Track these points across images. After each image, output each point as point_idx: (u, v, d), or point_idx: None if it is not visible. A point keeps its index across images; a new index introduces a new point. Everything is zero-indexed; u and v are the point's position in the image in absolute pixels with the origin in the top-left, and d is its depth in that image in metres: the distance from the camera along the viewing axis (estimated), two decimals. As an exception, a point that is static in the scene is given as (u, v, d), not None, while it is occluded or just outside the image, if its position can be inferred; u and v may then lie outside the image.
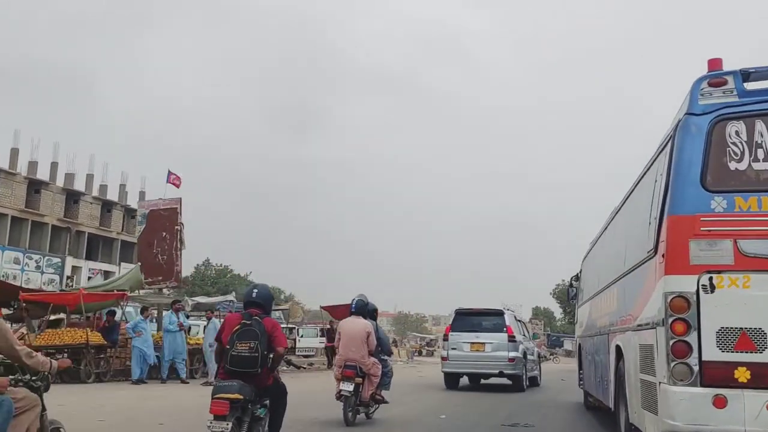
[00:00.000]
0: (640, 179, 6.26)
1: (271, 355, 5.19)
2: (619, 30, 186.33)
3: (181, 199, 20.05)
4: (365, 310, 8.99)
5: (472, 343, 14.69)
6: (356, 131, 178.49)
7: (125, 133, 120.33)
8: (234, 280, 62.00)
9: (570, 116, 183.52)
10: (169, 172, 20.55)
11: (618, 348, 6.64)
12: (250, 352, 4.97)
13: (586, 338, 10.64)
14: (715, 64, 4.74)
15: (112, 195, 50.21)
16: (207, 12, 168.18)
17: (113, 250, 49.76)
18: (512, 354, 14.50)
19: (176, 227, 19.47)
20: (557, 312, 66.82)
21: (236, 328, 5.08)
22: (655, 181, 5.24)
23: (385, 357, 9.28)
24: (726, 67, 4.75)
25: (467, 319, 15.29)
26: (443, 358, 15.19)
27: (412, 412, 10.29)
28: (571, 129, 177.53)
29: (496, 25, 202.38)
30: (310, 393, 11.74)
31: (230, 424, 4.76)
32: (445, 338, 15.37)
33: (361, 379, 8.47)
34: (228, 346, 5.05)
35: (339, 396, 8.39)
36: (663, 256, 4.60)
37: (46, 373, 4.09)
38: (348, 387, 8.29)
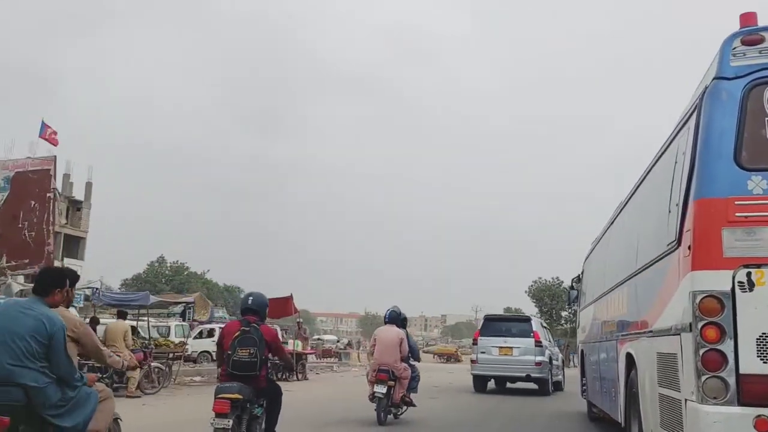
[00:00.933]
0: (655, 163, 5.55)
1: (276, 359, 6.05)
2: (591, 50, 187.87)
3: (55, 157, 15.57)
4: (398, 319, 9.86)
5: (501, 347, 15.47)
6: (322, 134, 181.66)
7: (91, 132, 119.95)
8: (190, 277, 60.07)
9: (540, 126, 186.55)
10: (44, 123, 16.00)
11: (629, 356, 5.92)
12: (250, 357, 5.48)
13: (589, 344, 9.91)
14: (748, 18, 4.02)
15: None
16: (174, 12, 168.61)
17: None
18: (539, 358, 15.35)
19: (48, 194, 15.19)
20: (532, 311, 65.95)
21: (236, 334, 5.56)
22: (676, 162, 4.53)
23: (414, 362, 10.05)
24: (762, 23, 4.03)
25: (495, 325, 16.21)
26: (472, 362, 16.10)
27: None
28: (540, 138, 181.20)
29: (470, 33, 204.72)
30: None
31: (231, 422, 5.26)
32: (474, 342, 16.24)
33: (393, 382, 9.21)
34: (229, 352, 5.54)
35: (372, 397, 9.15)
36: (689, 248, 3.88)
37: (118, 369, 5.01)
38: (381, 389, 9.05)
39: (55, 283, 4.21)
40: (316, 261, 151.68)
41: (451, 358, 47.54)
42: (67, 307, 4.58)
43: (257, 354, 5.50)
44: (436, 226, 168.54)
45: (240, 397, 5.36)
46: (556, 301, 60.88)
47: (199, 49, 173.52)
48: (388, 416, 9.27)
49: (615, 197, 9.24)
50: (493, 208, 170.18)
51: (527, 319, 16.51)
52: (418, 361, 10.45)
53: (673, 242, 4.27)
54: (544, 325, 18.23)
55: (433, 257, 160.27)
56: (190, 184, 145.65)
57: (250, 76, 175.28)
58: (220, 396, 5.35)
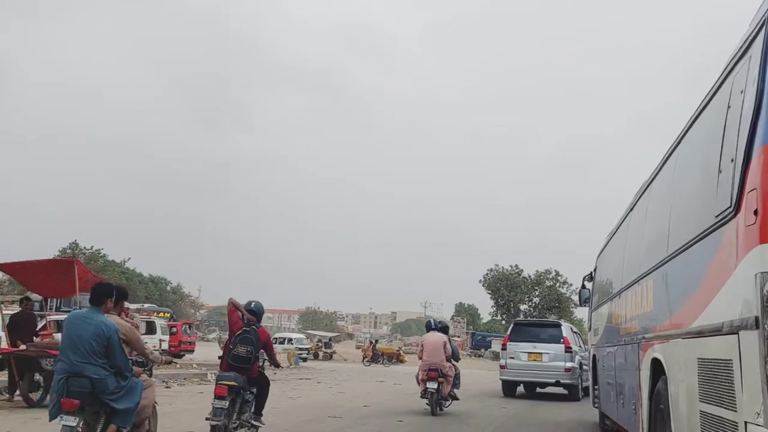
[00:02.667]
0: (695, 120, 4.55)
1: (262, 357, 7.34)
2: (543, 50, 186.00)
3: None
4: (442, 327, 12.57)
5: (530, 353, 15.46)
6: (269, 129, 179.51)
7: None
8: (107, 266, 55.14)
9: (490, 126, 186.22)
10: None
11: (656, 362, 4.92)
12: (247, 353, 6.83)
13: (603, 348, 8.88)
14: None
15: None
16: (123, 2, 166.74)
17: None
18: (569, 364, 15.29)
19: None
20: (485, 305, 60.23)
21: (238, 333, 6.89)
22: (729, 106, 3.51)
23: (454, 362, 11.86)
24: None
25: (525, 330, 16.39)
26: (501, 367, 16.20)
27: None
28: (490, 138, 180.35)
29: (422, 30, 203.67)
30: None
31: (227, 402, 6.61)
32: (504, 347, 16.33)
33: (442, 379, 11.08)
34: (231, 346, 6.90)
35: (424, 393, 11.13)
36: (755, 213, 2.86)
37: (158, 363, 6.39)
38: (433, 385, 10.95)
39: (106, 295, 5.42)
40: (262, 257, 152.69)
41: (392, 358, 42.34)
42: (119, 315, 5.80)
43: (253, 352, 6.87)
44: (386, 223, 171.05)
45: (235, 384, 6.73)
46: (515, 292, 54.35)
47: (144, 38, 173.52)
48: (437, 409, 11.15)
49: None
50: (444, 204, 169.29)
51: (557, 325, 16.57)
52: (458, 361, 12.25)
53: (727, 210, 3.25)
54: (575, 330, 18.01)
55: (384, 254, 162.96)
56: (131, 174, 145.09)
57: (197, 69, 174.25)
58: (220, 382, 6.74)
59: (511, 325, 17.11)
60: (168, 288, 72.96)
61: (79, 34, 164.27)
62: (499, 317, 58.38)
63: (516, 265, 56.19)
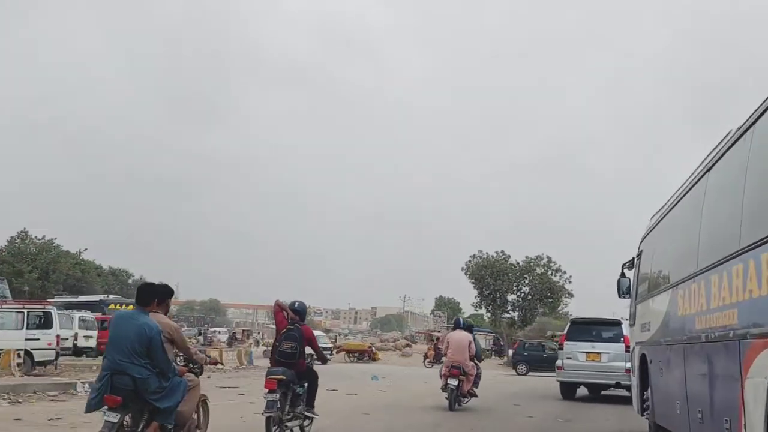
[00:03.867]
0: None
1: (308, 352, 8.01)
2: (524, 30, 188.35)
3: None
4: (466, 325, 13.09)
5: (588, 352, 15.11)
6: (251, 124, 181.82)
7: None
8: (60, 256, 52.31)
9: (476, 115, 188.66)
10: None
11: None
12: (291, 349, 7.61)
13: (661, 347, 7.38)
14: None
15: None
16: None
17: None
18: (630, 365, 14.09)
19: None
20: (469, 297, 53.60)
21: (284, 331, 7.72)
22: None
23: (477, 362, 12.48)
24: None
25: (583, 329, 15.91)
26: (558, 368, 15.97)
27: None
28: (470, 129, 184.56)
29: (405, 22, 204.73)
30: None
31: (278, 395, 7.27)
32: (560, 347, 16.08)
33: (463, 377, 11.77)
34: (277, 344, 7.77)
35: (445, 388, 11.84)
36: None
37: (201, 364, 6.51)
38: (454, 382, 11.63)
39: (152, 295, 5.77)
40: (243, 253, 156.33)
41: (364, 355, 39.34)
42: (165, 314, 5.95)
43: (297, 348, 7.52)
44: (366, 217, 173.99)
45: (283, 377, 7.29)
46: (502, 280, 49.53)
47: (121, 32, 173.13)
48: (456, 405, 11.99)
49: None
50: (426, 198, 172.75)
51: (617, 323, 15.73)
52: (480, 361, 12.95)
53: None
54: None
55: (365, 249, 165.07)
56: (106, 168, 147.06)
57: (176, 60, 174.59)
58: (269, 377, 7.32)
59: (568, 324, 16.77)
60: (130, 281, 70.38)
61: (54, 26, 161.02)
62: (483, 309, 53.77)
63: (502, 251, 51.65)
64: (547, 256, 49.71)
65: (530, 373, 30.04)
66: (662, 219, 7.87)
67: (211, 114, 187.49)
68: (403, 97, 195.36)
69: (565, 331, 16.32)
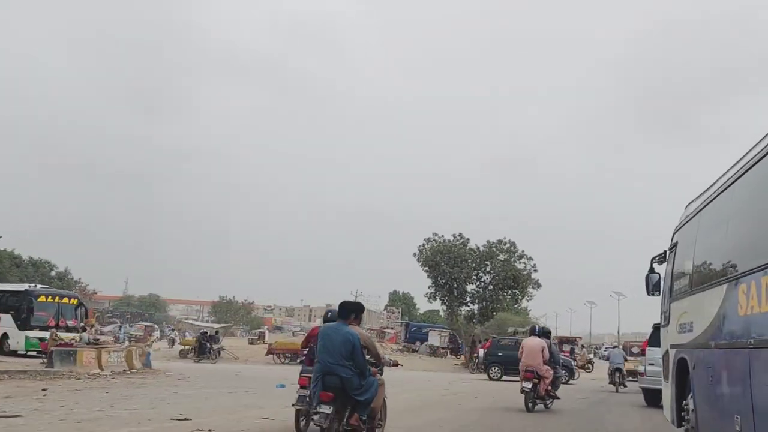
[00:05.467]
0: None
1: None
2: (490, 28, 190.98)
3: None
4: (543, 332, 14.82)
5: None
6: (207, 118, 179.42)
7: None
8: None
9: (439, 111, 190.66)
10: None
11: None
12: None
13: (710, 350, 6.57)
14: None
15: None
16: None
17: None
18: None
19: None
20: (423, 288, 48.55)
21: (317, 334, 7.81)
22: None
23: (557, 365, 14.13)
24: None
25: None
26: (640, 374, 16.74)
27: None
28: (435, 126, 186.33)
29: (368, 15, 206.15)
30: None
31: (308, 390, 7.86)
32: (642, 353, 16.97)
33: (537, 380, 13.12)
34: (312, 344, 8.29)
35: (522, 390, 13.08)
36: None
37: (387, 365, 8.42)
38: (528, 385, 13.00)
39: (350, 311, 7.33)
40: (199, 250, 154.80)
41: (297, 356, 33.56)
42: (358, 325, 7.43)
43: None
44: (325, 212, 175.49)
45: None
46: (460, 267, 44.47)
47: (70, 23, 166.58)
48: (537, 405, 13.21)
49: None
50: (385, 192, 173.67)
51: None
52: (558, 365, 14.48)
53: None
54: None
55: (322, 244, 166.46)
56: (52, 159, 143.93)
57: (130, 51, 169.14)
58: (302, 374, 8.56)
59: (651, 329, 16.26)
60: (52, 273, 67.01)
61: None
62: (437, 300, 48.40)
63: (460, 234, 46.36)
64: (510, 241, 45.53)
65: (504, 377, 26.86)
66: (708, 204, 7.07)
67: (165, 106, 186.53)
68: (366, 92, 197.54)
69: (648, 337, 16.36)
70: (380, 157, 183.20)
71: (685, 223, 8.24)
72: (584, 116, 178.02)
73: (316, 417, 6.83)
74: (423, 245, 46.02)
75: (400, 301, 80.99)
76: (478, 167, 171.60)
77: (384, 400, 7.65)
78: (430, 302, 49.61)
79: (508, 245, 45.36)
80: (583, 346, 50.69)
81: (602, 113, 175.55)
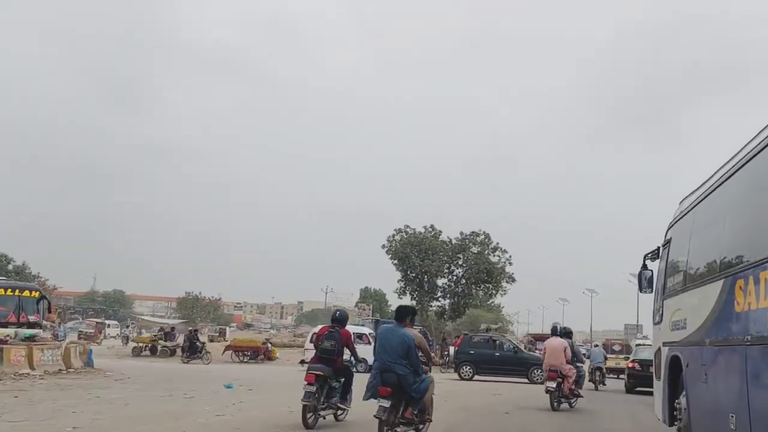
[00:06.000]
0: None
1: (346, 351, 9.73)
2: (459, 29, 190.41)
3: None
4: (565, 332, 14.84)
5: None
6: (177, 113, 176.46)
7: None
8: None
9: (412, 109, 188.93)
10: None
11: None
12: (331, 347, 9.36)
13: (705, 348, 6.55)
14: None
15: None
16: None
17: None
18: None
19: None
20: (393, 282, 46.82)
21: (325, 333, 9.59)
22: None
23: (579, 364, 14.76)
24: None
25: None
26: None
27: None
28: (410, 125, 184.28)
29: (339, 10, 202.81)
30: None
31: (315, 387, 9.00)
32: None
33: (561, 379, 13.49)
34: (319, 343, 9.56)
35: (547, 390, 13.63)
36: None
37: (436, 365, 9.91)
38: (552, 384, 13.41)
39: (406, 314, 8.14)
40: (171, 247, 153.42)
41: (258, 353, 33.14)
42: (411, 327, 8.26)
43: (335, 346, 9.37)
44: (296, 209, 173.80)
45: (322, 373, 9.15)
46: (431, 260, 43.05)
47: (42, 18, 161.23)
48: (563, 404, 13.69)
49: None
50: (356, 188, 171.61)
51: None
52: (582, 363, 15.12)
53: None
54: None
55: (293, 241, 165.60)
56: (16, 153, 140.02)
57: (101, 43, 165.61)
58: (309, 371, 9.21)
59: None
60: (9, 267, 65.26)
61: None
62: (407, 295, 46.26)
63: (432, 226, 44.79)
64: (485, 232, 43.94)
65: (477, 377, 25.76)
66: (704, 199, 6.99)
67: (133, 101, 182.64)
68: (336, 88, 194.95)
69: None
70: (352, 153, 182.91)
71: (679, 219, 8.19)
72: (555, 115, 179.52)
73: (377, 411, 7.58)
74: (392, 236, 44.43)
75: (372, 298, 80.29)
76: (447, 165, 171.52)
77: (432, 397, 8.23)
78: (400, 297, 47.22)
79: (482, 237, 43.95)
80: None
81: (583, 112, 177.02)
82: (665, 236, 8.83)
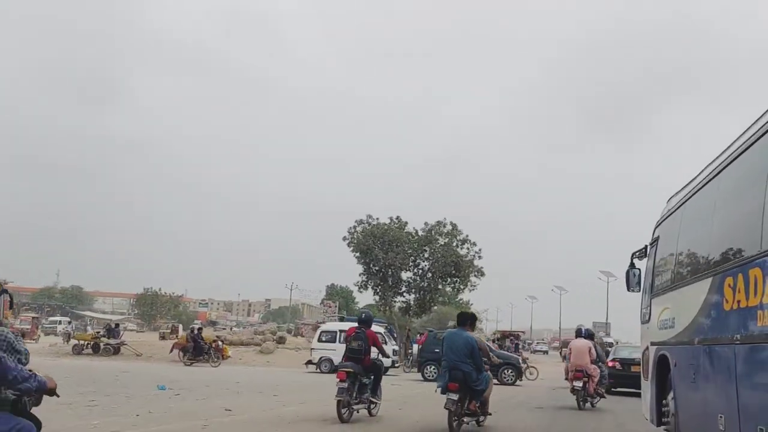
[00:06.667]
0: None
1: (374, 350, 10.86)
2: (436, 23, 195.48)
3: None
4: (588, 333, 15.84)
5: None
6: (154, 109, 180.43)
7: None
8: None
9: (380, 105, 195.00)
10: None
11: None
12: (358, 347, 10.39)
13: (693, 347, 6.56)
14: None
15: None
16: None
17: None
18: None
19: None
20: (354, 274, 44.24)
21: (352, 334, 10.60)
22: None
23: (602, 364, 15.16)
24: None
25: None
26: None
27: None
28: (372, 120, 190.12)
29: (306, 5, 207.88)
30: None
31: (347, 384, 9.89)
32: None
33: (586, 379, 14.15)
34: (347, 343, 10.64)
35: (573, 390, 14.36)
36: None
37: (493, 364, 10.96)
38: (579, 384, 14.10)
39: (467, 319, 9.67)
40: (141, 245, 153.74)
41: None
42: (472, 330, 9.79)
43: (363, 345, 10.40)
44: (269, 207, 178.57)
45: (351, 370, 10.05)
46: (395, 253, 40.84)
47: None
48: (586, 404, 14.30)
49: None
50: (326, 186, 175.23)
51: None
52: (604, 363, 15.60)
53: None
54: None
55: (262, 239, 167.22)
56: None
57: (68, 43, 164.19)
58: (340, 369, 10.23)
59: None
60: None
61: None
62: (369, 290, 44.00)
63: (397, 217, 42.46)
64: (451, 223, 41.95)
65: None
66: (692, 196, 6.98)
67: (107, 97, 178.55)
68: (305, 84, 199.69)
69: None
70: (320, 151, 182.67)
71: (666, 217, 8.19)
72: (526, 115, 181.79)
73: (445, 402, 8.84)
74: (354, 228, 42.21)
75: (338, 295, 79.78)
76: (410, 163, 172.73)
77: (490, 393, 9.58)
78: (361, 291, 45.52)
79: (449, 227, 42.10)
80: (526, 341, 49.38)
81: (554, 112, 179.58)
82: (653, 234, 8.87)
